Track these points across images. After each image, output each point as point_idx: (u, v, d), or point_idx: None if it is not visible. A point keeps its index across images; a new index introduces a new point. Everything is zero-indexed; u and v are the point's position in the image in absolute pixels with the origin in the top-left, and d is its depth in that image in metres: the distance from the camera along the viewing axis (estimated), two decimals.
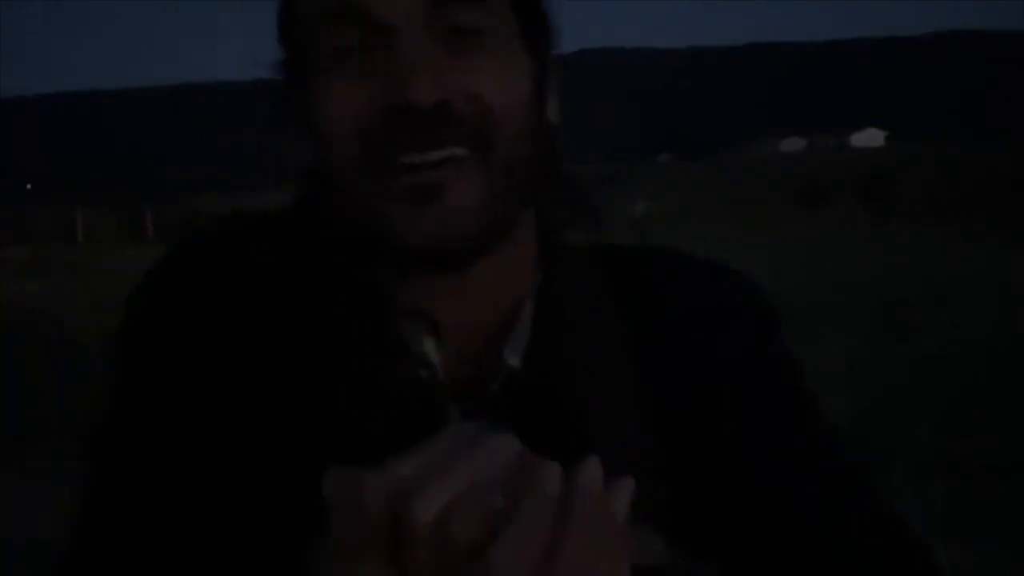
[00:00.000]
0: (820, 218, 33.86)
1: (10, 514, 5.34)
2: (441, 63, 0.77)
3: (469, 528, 0.63)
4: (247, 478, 0.81)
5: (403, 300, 0.83)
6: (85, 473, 0.86)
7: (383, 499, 0.63)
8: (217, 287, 0.85)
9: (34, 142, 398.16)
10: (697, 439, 0.85)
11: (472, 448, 0.65)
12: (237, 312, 0.84)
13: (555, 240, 0.88)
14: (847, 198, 39.26)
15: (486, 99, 0.78)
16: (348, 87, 0.78)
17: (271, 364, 0.82)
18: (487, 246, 0.80)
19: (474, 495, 0.64)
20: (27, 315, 13.27)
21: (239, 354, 0.83)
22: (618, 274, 0.89)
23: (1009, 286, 12.32)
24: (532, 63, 0.82)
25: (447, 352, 0.83)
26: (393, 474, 0.64)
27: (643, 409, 0.84)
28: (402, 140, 0.76)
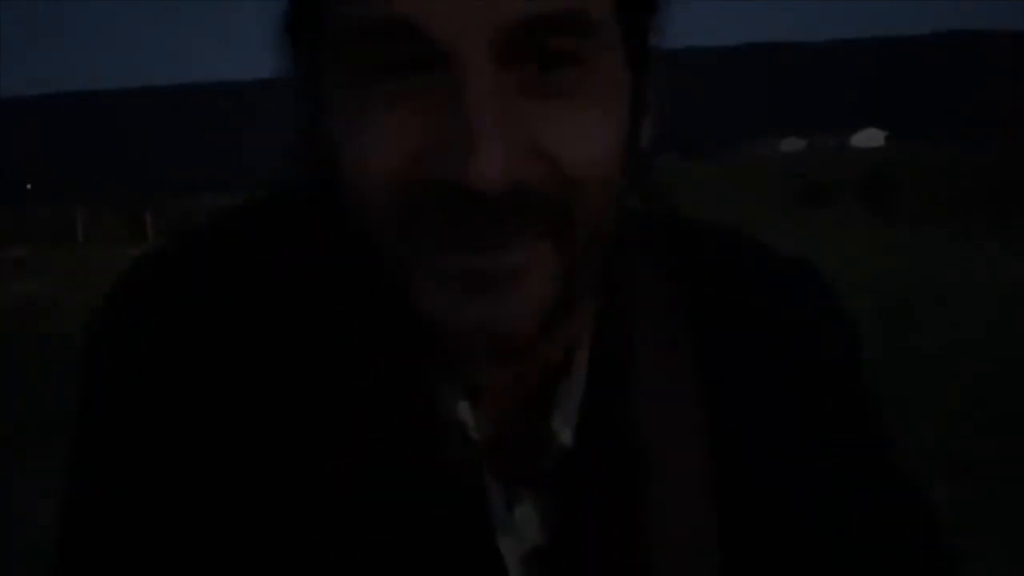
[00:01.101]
0: (820, 218, 33.84)
1: (10, 514, 5.34)
2: (518, 116, 0.56)
3: None
4: (239, 569, 0.65)
5: (436, 355, 0.64)
6: (68, 486, 0.71)
7: None
8: (206, 323, 0.65)
9: (34, 142, 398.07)
10: (764, 517, 0.71)
11: None
12: (229, 365, 0.65)
13: (617, 260, 0.68)
14: (847, 198, 39.26)
15: (573, 162, 0.57)
16: (388, 131, 0.57)
17: (274, 433, 0.65)
18: (552, 334, 0.62)
19: None
20: (27, 315, 13.26)
21: (236, 417, 0.65)
22: (689, 292, 0.72)
23: (1009, 286, 12.32)
24: (634, 85, 0.62)
25: (487, 417, 0.67)
26: None
27: (710, 487, 0.70)
28: (460, 232, 0.57)
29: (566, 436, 0.67)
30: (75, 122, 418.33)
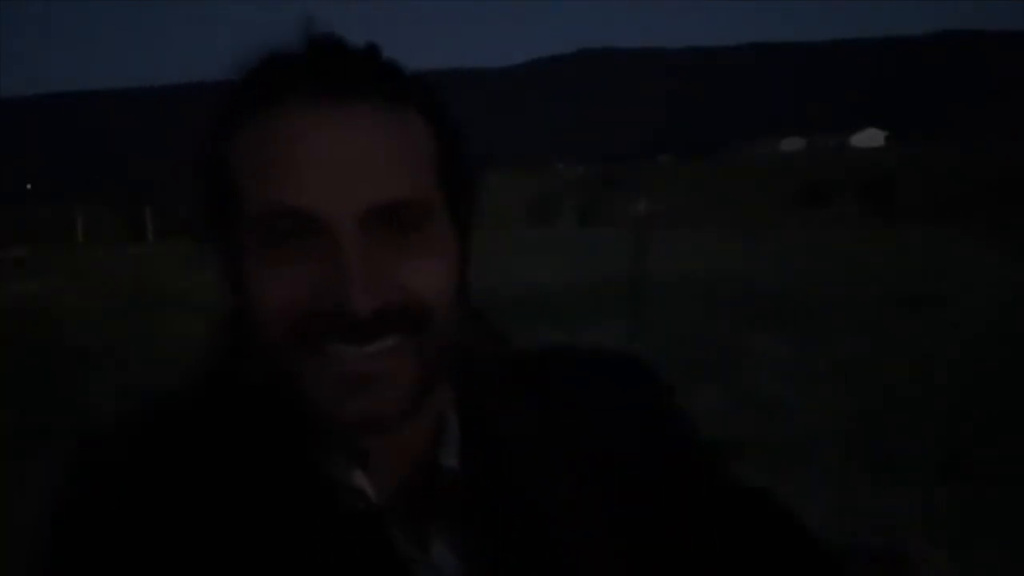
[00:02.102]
0: (820, 218, 33.83)
1: (10, 514, 5.34)
2: (379, 265, 0.79)
3: None
4: None
5: (327, 437, 0.85)
6: None
7: None
8: (149, 471, 0.85)
9: (34, 142, 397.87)
10: (633, 516, 0.91)
11: None
12: (172, 489, 0.84)
13: (466, 360, 0.92)
14: (847, 198, 39.23)
15: (420, 293, 0.81)
16: (283, 278, 0.80)
17: (213, 530, 0.82)
18: (418, 413, 0.84)
19: None
20: (27, 315, 13.26)
21: (182, 524, 0.83)
22: (523, 378, 0.95)
23: (1009, 286, 12.31)
24: (460, 244, 0.86)
25: (380, 475, 0.86)
26: None
27: (580, 488, 0.90)
28: (338, 336, 0.79)
29: (452, 461, 0.87)
30: (75, 122, 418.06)
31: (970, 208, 32.06)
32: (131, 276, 17.39)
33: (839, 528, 4.22)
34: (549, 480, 0.89)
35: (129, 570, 0.82)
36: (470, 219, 0.89)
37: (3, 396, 8.12)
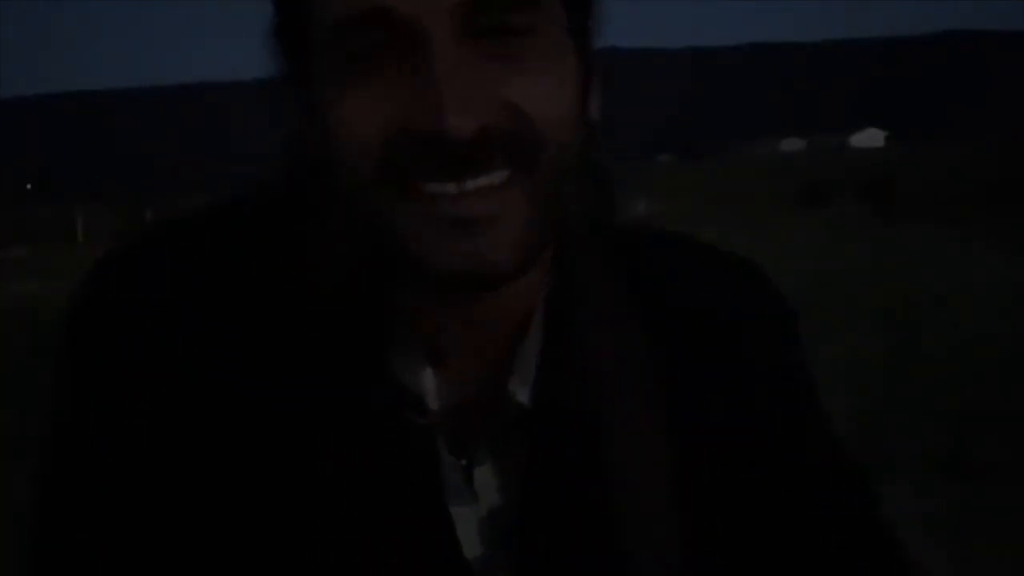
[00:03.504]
0: (820, 218, 33.84)
1: (10, 514, 5.34)
2: (480, 78, 0.65)
3: None
4: (208, 543, 0.70)
5: (402, 322, 0.72)
6: (40, 488, 0.76)
7: None
8: (185, 297, 0.72)
9: (34, 142, 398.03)
10: (717, 483, 0.77)
11: None
12: (196, 339, 0.71)
13: (571, 238, 0.76)
14: (847, 198, 39.25)
15: (531, 114, 0.66)
16: (370, 101, 0.66)
17: (236, 407, 0.70)
18: (526, 271, 0.69)
19: None
20: (27, 315, 13.25)
21: (200, 394, 0.70)
22: (635, 274, 0.79)
23: (1009, 286, 12.31)
24: (580, 61, 0.71)
25: (446, 381, 0.73)
26: None
27: (662, 444, 0.76)
28: (434, 169, 0.65)
29: (523, 396, 0.73)
30: (75, 122, 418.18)
31: (970, 208, 32.06)
32: None
33: None
34: (627, 432, 0.75)
35: (134, 423, 0.70)
36: (592, 36, 0.73)
37: (3, 396, 8.12)
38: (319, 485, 0.70)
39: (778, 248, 20.45)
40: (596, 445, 0.74)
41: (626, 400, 0.75)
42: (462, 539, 0.73)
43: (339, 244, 0.70)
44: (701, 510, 0.76)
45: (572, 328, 0.75)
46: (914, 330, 9.36)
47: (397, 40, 0.65)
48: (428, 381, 0.72)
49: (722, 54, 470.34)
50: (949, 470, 5.46)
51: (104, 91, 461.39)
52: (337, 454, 0.70)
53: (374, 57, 0.66)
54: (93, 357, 0.71)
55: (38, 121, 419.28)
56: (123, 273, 0.73)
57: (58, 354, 0.74)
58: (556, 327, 0.75)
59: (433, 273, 0.67)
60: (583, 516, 0.74)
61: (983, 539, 4.51)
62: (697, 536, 0.76)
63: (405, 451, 0.71)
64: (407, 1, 0.64)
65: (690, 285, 0.81)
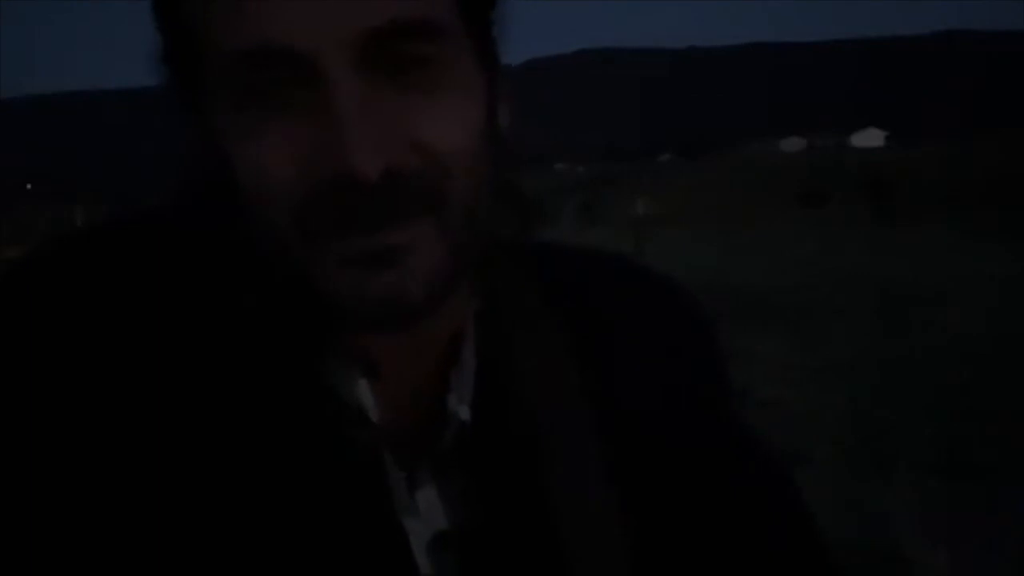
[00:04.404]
0: (820, 218, 33.85)
1: None
2: (384, 115, 0.62)
3: None
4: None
5: (332, 339, 0.69)
6: None
7: None
8: (87, 317, 0.66)
9: (34, 142, 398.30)
10: (654, 487, 0.77)
11: None
12: (112, 353, 0.66)
13: (493, 259, 0.75)
14: (847, 198, 39.24)
15: (439, 149, 0.64)
16: (276, 144, 0.62)
17: (156, 426, 0.65)
18: (442, 302, 0.67)
19: None
20: None
21: (118, 410, 0.65)
22: (557, 292, 0.79)
23: (1009, 285, 12.32)
24: (486, 80, 0.68)
25: (384, 398, 0.70)
26: None
27: (600, 452, 0.75)
28: (346, 219, 0.62)
29: (464, 412, 0.71)
30: (75, 122, 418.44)
31: (970, 207, 32.07)
32: None
33: (838, 527, 4.22)
34: (565, 441, 0.74)
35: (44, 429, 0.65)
36: (496, 47, 0.70)
37: None
38: (260, 506, 0.66)
39: (778, 248, 20.46)
40: (536, 458, 0.73)
41: (559, 411, 0.75)
42: (416, 553, 0.70)
43: (255, 269, 0.67)
44: (641, 520, 0.75)
45: (503, 344, 0.74)
46: (914, 330, 9.37)
47: (296, 75, 0.61)
48: (365, 395, 0.69)
49: (722, 54, 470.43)
50: (949, 470, 5.47)
51: (104, 91, 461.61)
52: (277, 472, 0.66)
53: (273, 94, 0.62)
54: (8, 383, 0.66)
55: (38, 121, 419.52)
56: (28, 285, 0.68)
57: None
58: (488, 344, 0.74)
59: (350, 314, 0.65)
60: (525, 532, 0.73)
61: (983, 539, 4.51)
62: (640, 546, 0.75)
63: (351, 465, 0.68)
64: (303, 37, 0.60)
65: (603, 294, 0.81)
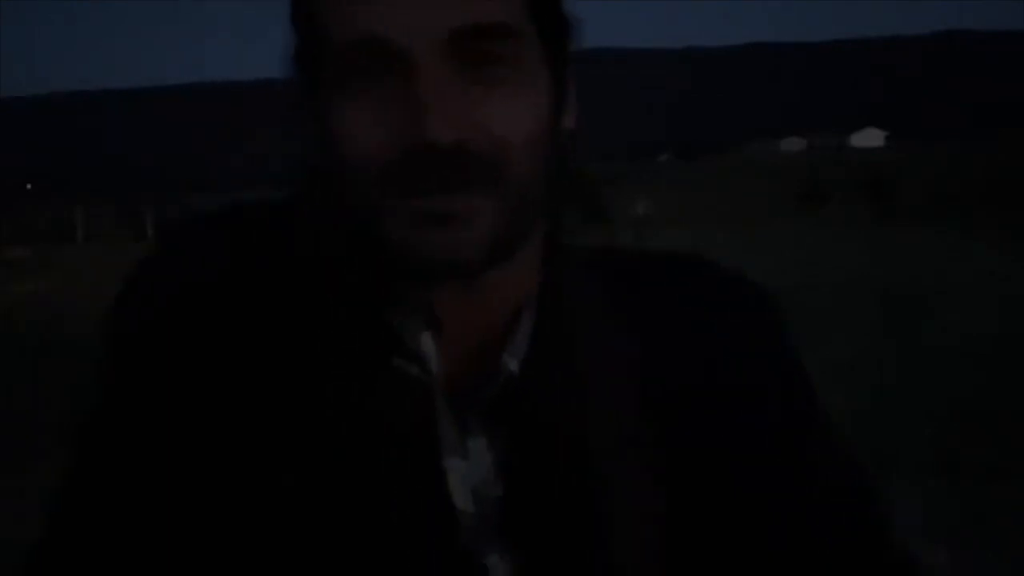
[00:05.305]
0: (820, 218, 33.85)
1: (10, 514, 5.34)
2: (460, 98, 0.75)
3: None
4: (230, 489, 0.79)
5: (403, 295, 0.81)
6: (68, 467, 0.85)
7: None
8: (208, 285, 0.83)
9: (34, 142, 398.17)
10: (701, 464, 0.84)
11: None
12: (228, 310, 0.82)
13: (560, 243, 0.87)
14: (847, 198, 39.21)
15: (505, 135, 0.76)
16: (365, 118, 0.76)
17: (263, 364, 0.81)
18: (498, 262, 0.79)
19: None
20: (27, 315, 13.26)
21: (230, 355, 0.81)
22: (623, 281, 0.88)
23: (1009, 286, 12.32)
24: (553, 80, 0.80)
25: (445, 350, 0.82)
26: None
27: (646, 423, 0.83)
28: (419, 180, 0.75)
29: (513, 365, 0.82)
30: (75, 122, 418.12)
31: (970, 208, 32.07)
32: None
33: None
34: (612, 408, 0.83)
35: (176, 401, 0.81)
36: (566, 54, 0.82)
37: (3, 395, 8.12)
38: (325, 431, 0.79)
39: (778, 248, 20.44)
40: (580, 415, 0.82)
41: (607, 380, 0.83)
42: (453, 492, 0.80)
43: (343, 236, 0.80)
44: (686, 485, 0.83)
45: (560, 314, 0.84)
46: (914, 330, 9.37)
47: (391, 63, 0.75)
48: (427, 344, 0.81)
49: (722, 54, 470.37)
50: (949, 470, 5.47)
51: (104, 91, 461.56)
52: (342, 402, 0.79)
53: (370, 76, 0.75)
54: (128, 346, 0.83)
55: (38, 121, 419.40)
56: (157, 272, 0.85)
57: (101, 347, 0.85)
58: (546, 313, 0.84)
59: (414, 265, 0.77)
60: (567, 484, 0.81)
61: (983, 539, 4.51)
62: (682, 510, 0.82)
63: (405, 401, 0.80)
64: (401, 33, 0.74)
65: (678, 296, 0.89)
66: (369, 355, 0.81)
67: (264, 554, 0.79)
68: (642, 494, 0.82)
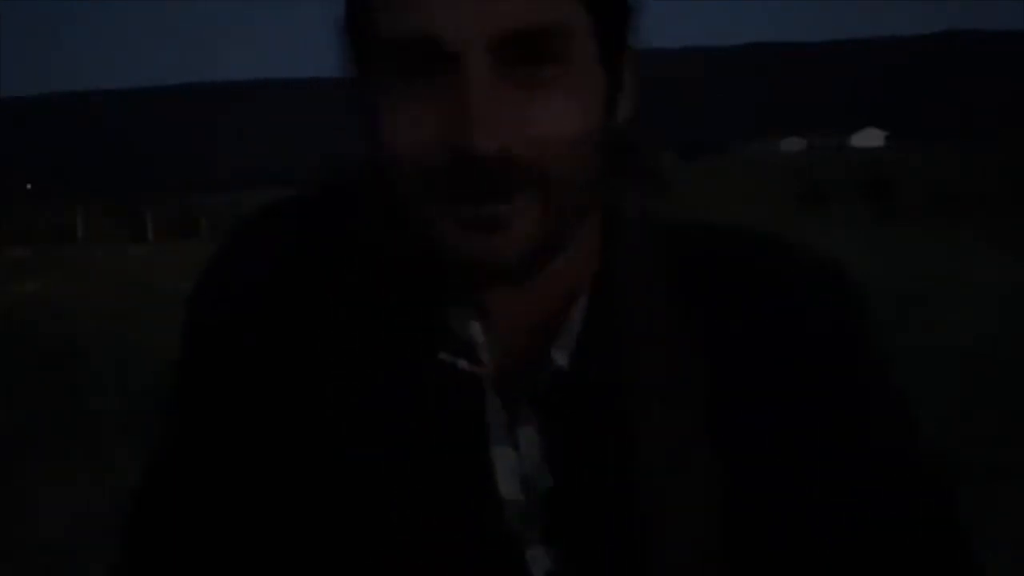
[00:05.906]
0: (820, 218, 33.84)
1: (10, 514, 5.34)
2: (508, 105, 0.73)
3: None
4: (295, 475, 0.82)
5: (455, 287, 0.81)
6: (161, 433, 0.91)
7: None
8: (276, 277, 0.85)
9: (34, 142, 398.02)
10: (760, 460, 0.81)
11: None
12: (295, 303, 0.84)
13: (623, 226, 0.85)
14: (847, 198, 39.18)
15: (552, 138, 0.75)
16: (413, 118, 0.75)
17: (325, 355, 0.83)
18: (544, 265, 0.79)
19: None
20: (27, 315, 13.26)
21: (295, 346, 0.83)
22: (693, 261, 0.85)
23: (1009, 286, 12.31)
24: (606, 76, 0.79)
25: (495, 342, 0.82)
26: None
27: (702, 420, 0.81)
28: (464, 188, 0.74)
29: (561, 357, 0.81)
30: (75, 122, 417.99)
31: (970, 208, 32.03)
32: (131, 276, 17.38)
33: None
34: (667, 400, 0.81)
35: (245, 395, 0.84)
36: (624, 44, 0.80)
37: (3, 395, 8.12)
38: (377, 417, 0.81)
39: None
40: (629, 409, 0.80)
41: (660, 373, 0.81)
42: (500, 481, 0.80)
43: (398, 230, 0.81)
44: (744, 480, 0.80)
45: (613, 306, 0.82)
46: (914, 330, 9.36)
47: (441, 63, 0.73)
48: (478, 335, 0.81)
49: (722, 54, 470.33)
50: (949, 470, 5.47)
51: (104, 91, 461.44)
52: (394, 390, 0.81)
53: (419, 77, 0.74)
54: (208, 322, 0.87)
55: (38, 121, 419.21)
56: (230, 264, 0.88)
57: (187, 330, 0.89)
58: (599, 305, 0.82)
59: (460, 263, 0.77)
60: (613, 478, 0.80)
61: (983, 539, 4.51)
62: (740, 506, 0.80)
63: (454, 390, 0.81)
64: (452, 33, 0.72)
65: (747, 264, 0.85)
66: (420, 345, 0.81)
67: (321, 530, 0.81)
68: (696, 490, 0.80)
